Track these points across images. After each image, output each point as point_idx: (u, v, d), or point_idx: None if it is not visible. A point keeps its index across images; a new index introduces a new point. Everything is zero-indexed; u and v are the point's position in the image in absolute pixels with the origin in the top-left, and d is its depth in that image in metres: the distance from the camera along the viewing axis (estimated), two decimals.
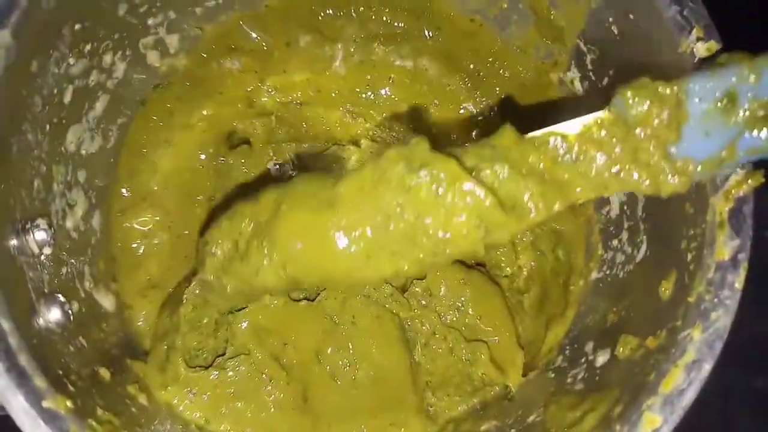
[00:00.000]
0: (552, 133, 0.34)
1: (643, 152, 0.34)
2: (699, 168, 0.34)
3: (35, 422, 0.32)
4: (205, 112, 0.53)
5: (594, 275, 0.48)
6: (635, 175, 0.34)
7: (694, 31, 0.38)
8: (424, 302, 0.49)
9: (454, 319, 0.49)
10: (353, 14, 0.53)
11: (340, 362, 0.47)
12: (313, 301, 0.47)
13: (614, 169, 0.34)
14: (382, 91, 0.55)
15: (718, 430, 0.34)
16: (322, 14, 0.52)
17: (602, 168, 0.34)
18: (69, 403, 0.33)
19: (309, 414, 0.45)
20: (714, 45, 0.38)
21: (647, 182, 0.34)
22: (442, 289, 0.49)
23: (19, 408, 0.32)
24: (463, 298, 0.49)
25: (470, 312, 0.49)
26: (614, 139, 0.34)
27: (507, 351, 0.49)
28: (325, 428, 0.46)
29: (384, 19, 0.53)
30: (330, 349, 0.46)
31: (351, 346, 0.47)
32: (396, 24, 0.53)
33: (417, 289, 0.49)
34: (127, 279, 0.48)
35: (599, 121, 0.34)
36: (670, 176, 0.34)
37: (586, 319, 0.47)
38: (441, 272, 0.49)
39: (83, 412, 0.34)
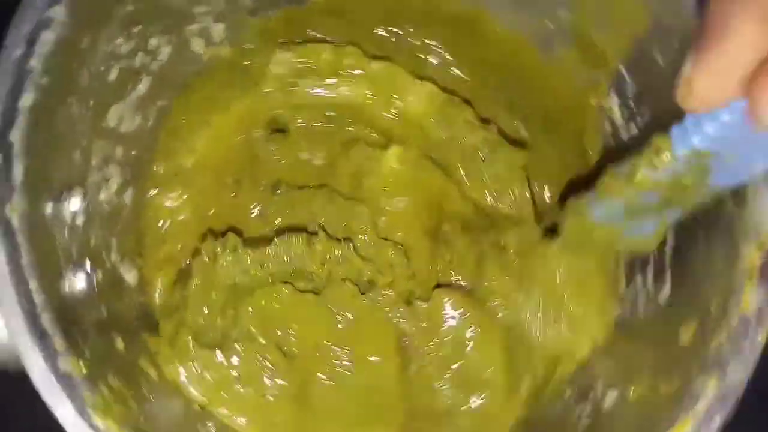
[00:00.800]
0: None
1: None
2: None
3: (50, 382, 0.33)
4: (245, 101, 0.54)
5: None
6: None
7: None
8: (425, 324, 0.49)
9: (450, 353, 0.49)
10: (400, 32, 0.54)
11: (337, 362, 0.47)
12: (318, 294, 0.48)
13: None
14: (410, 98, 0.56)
15: None
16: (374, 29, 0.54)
17: None
18: (84, 368, 0.34)
19: (306, 408, 0.46)
20: None
21: None
22: (445, 316, 0.49)
23: (36, 367, 0.33)
24: (465, 334, 0.49)
25: (468, 352, 0.49)
26: None
27: (496, 407, 0.48)
28: (320, 426, 0.46)
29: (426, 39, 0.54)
30: (330, 346, 0.47)
31: (349, 348, 0.47)
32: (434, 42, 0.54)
33: (422, 306, 0.49)
34: (150, 254, 0.49)
35: None
36: None
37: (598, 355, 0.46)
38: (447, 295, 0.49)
39: (96, 378, 0.35)
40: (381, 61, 0.55)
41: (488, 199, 0.54)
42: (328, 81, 0.55)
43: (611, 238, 0.41)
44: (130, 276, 0.47)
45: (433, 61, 0.56)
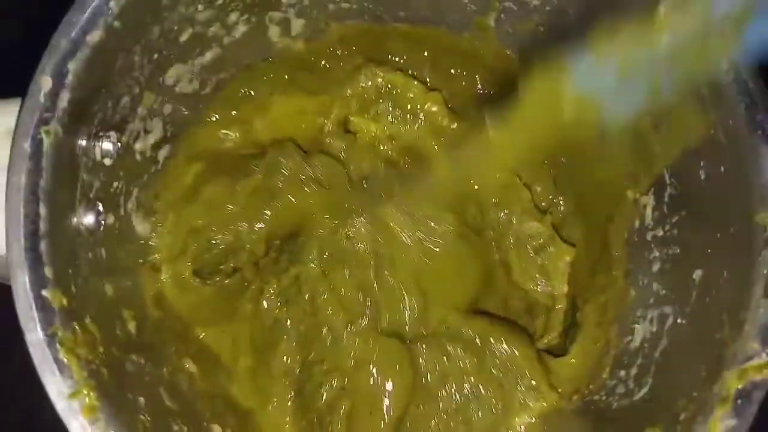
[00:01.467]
0: None
1: None
2: None
3: (28, 304, 0.34)
4: (312, 96, 0.55)
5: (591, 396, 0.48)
6: None
7: None
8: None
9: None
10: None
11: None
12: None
13: None
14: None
15: None
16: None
17: None
18: (65, 301, 0.35)
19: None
20: None
21: None
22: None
23: (21, 285, 0.34)
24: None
25: None
26: None
27: None
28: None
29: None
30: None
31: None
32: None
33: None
34: (166, 215, 0.50)
35: None
36: None
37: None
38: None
39: (74, 315, 0.36)
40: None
41: (530, 286, 0.55)
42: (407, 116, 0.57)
43: (584, 116, 0.34)
44: (141, 227, 0.48)
45: None
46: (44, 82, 0.36)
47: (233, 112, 0.53)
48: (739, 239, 0.39)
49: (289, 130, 0.55)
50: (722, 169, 0.41)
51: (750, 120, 0.38)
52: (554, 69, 0.33)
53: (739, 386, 0.36)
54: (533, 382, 0.48)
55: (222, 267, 0.51)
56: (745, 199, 0.39)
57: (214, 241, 0.51)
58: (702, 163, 0.42)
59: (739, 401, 0.36)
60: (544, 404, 0.48)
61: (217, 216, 0.51)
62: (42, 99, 0.36)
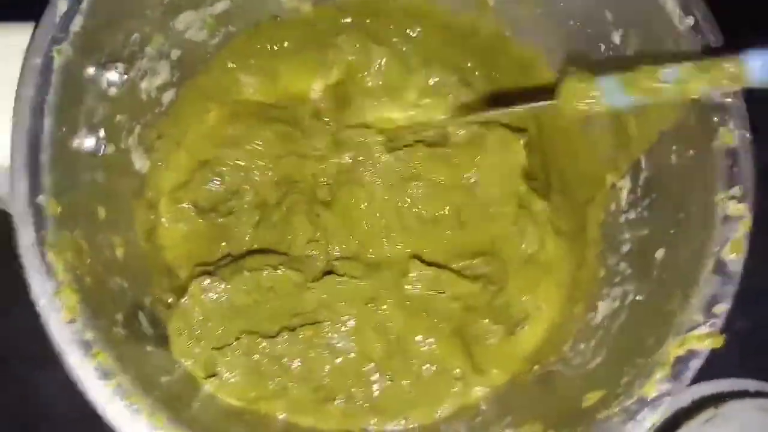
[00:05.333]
0: None
1: None
2: None
3: (24, 207, 0.37)
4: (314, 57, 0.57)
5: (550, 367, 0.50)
6: None
7: (736, 188, 0.40)
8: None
9: None
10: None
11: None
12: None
13: None
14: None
15: None
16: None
17: None
18: (59, 210, 0.38)
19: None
20: (744, 210, 0.39)
21: None
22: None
23: (19, 191, 0.37)
24: None
25: None
26: None
27: None
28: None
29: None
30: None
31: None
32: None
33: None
34: (166, 152, 0.52)
35: None
36: None
37: (511, 395, 0.49)
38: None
39: (66, 224, 0.38)
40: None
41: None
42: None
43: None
44: (140, 163, 0.50)
45: None
46: (60, 4, 0.38)
47: (251, 61, 0.56)
48: (698, 219, 0.41)
49: (300, 86, 0.58)
50: (690, 153, 0.43)
51: (716, 106, 0.40)
52: (587, 79, 0.42)
53: (680, 353, 0.38)
54: (457, 372, 0.49)
55: (220, 206, 0.53)
56: (708, 180, 0.41)
57: (219, 178, 0.53)
58: (674, 147, 0.44)
59: (678, 366, 0.38)
60: (479, 387, 0.50)
61: (233, 153, 0.53)
62: (57, 20, 0.38)
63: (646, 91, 0.40)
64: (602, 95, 0.42)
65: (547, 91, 0.46)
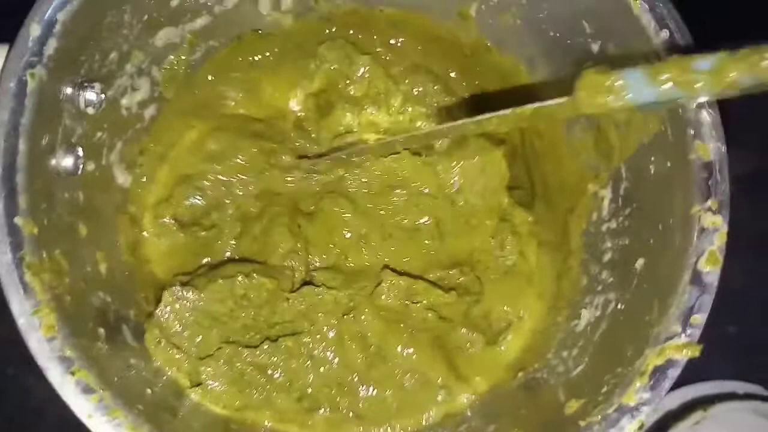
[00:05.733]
0: None
1: None
2: None
3: (2, 229, 0.37)
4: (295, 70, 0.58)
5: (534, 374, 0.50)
6: None
7: (710, 201, 0.40)
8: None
9: None
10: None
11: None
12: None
13: None
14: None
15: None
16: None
17: None
18: (36, 230, 0.38)
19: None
20: (720, 222, 0.40)
21: None
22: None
23: None
24: None
25: None
26: None
27: None
28: None
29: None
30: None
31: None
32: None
33: None
34: (149, 167, 0.53)
35: None
36: None
37: (496, 402, 0.49)
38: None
39: (44, 245, 0.39)
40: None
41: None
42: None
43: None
44: (123, 178, 0.51)
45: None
46: (33, 29, 0.39)
47: (233, 74, 0.56)
48: (676, 230, 0.41)
49: (282, 97, 0.58)
50: (668, 164, 0.43)
51: (692, 119, 0.41)
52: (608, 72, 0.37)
53: (658, 363, 0.38)
54: (440, 381, 0.50)
55: (202, 220, 0.54)
56: (685, 193, 0.41)
57: (201, 192, 0.53)
58: (652, 158, 0.45)
59: (656, 376, 0.38)
60: (463, 395, 0.50)
61: (215, 167, 0.54)
62: (30, 44, 0.39)
63: (678, 83, 0.34)
64: (626, 89, 0.36)
65: (531, 95, 0.45)
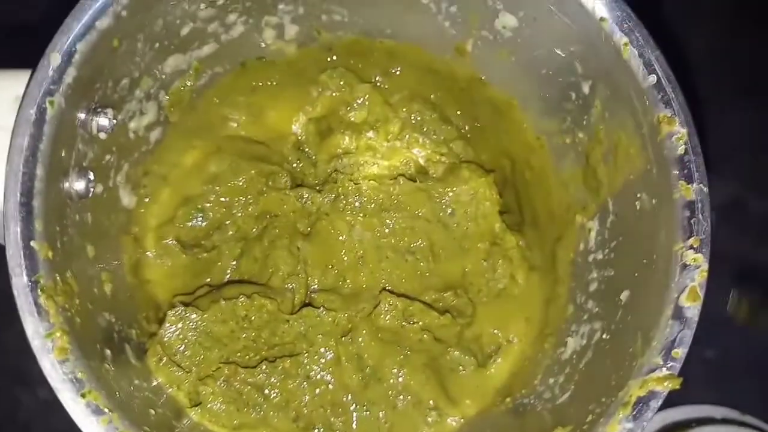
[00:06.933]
0: None
1: None
2: None
3: (18, 252, 0.38)
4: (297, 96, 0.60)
5: (521, 399, 0.52)
6: None
7: (692, 240, 0.42)
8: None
9: None
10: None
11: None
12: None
13: None
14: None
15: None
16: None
17: None
18: (50, 254, 0.39)
19: None
20: (701, 260, 0.42)
21: None
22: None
23: (12, 235, 0.38)
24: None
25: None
26: None
27: None
28: None
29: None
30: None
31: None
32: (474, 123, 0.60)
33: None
34: (158, 188, 0.55)
35: None
36: None
37: (484, 426, 0.51)
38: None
39: (57, 267, 0.40)
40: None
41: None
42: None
43: None
44: (127, 200, 0.52)
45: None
46: (53, 58, 0.40)
47: (237, 98, 0.58)
48: (659, 266, 0.44)
49: (284, 120, 0.60)
50: (653, 201, 0.45)
51: (676, 160, 0.43)
52: None
53: (641, 394, 0.40)
54: (431, 402, 0.52)
55: (203, 242, 0.55)
56: (669, 230, 0.43)
57: (203, 213, 0.55)
58: (638, 195, 0.47)
59: (639, 406, 0.40)
60: (452, 418, 0.52)
61: (216, 189, 0.56)
62: (50, 73, 0.40)
63: None
64: None
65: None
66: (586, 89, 0.50)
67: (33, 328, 0.37)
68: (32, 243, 0.38)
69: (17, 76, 0.42)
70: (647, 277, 0.45)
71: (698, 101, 0.46)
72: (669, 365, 0.40)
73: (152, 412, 0.44)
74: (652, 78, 0.44)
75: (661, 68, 0.44)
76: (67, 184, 0.43)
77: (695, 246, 0.42)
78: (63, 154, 0.42)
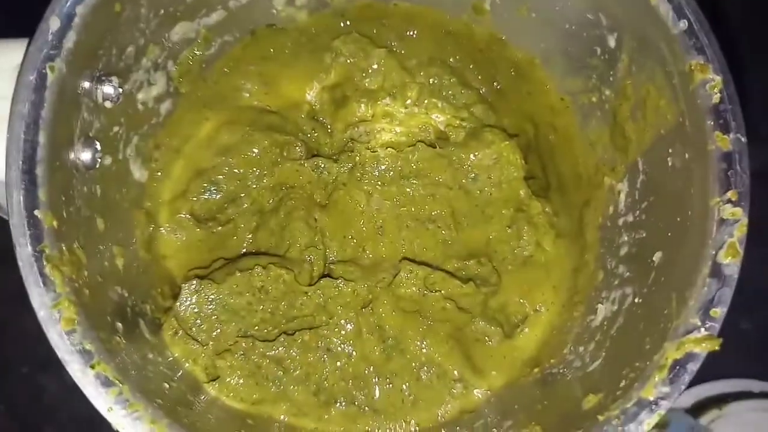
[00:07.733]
0: None
1: None
2: None
3: (22, 221, 0.37)
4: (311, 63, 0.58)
5: (550, 369, 0.50)
6: None
7: (729, 193, 0.39)
8: None
9: None
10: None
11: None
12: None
13: None
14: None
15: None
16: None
17: None
18: (55, 223, 0.38)
19: None
20: (740, 213, 0.39)
21: None
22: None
23: (16, 204, 0.37)
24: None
25: None
26: None
27: None
28: None
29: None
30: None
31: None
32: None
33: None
34: (171, 161, 0.53)
35: None
36: None
37: (512, 397, 0.49)
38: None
39: (63, 237, 0.39)
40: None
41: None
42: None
43: None
44: (139, 173, 0.51)
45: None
46: (53, 22, 0.39)
47: (249, 67, 0.56)
48: (694, 222, 0.41)
49: (297, 89, 0.58)
50: (687, 156, 0.43)
51: (711, 109, 0.40)
52: None
53: (677, 356, 0.38)
54: (456, 374, 0.50)
55: (218, 215, 0.54)
56: (704, 184, 0.41)
57: (216, 186, 0.54)
58: (670, 150, 0.44)
59: (675, 369, 0.38)
60: (479, 390, 0.50)
61: (229, 161, 0.54)
62: (50, 37, 0.39)
63: None
64: None
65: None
66: (611, 42, 0.47)
67: (38, 298, 0.36)
68: (36, 212, 0.37)
69: (16, 45, 0.41)
70: (681, 235, 0.42)
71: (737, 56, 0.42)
72: (708, 325, 0.38)
73: (167, 386, 0.43)
74: (683, 23, 0.41)
75: (692, 12, 0.41)
76: (72, 154, 0.41)
77: (733, 199, 0.39)
78: (67, 122, 0.41)
